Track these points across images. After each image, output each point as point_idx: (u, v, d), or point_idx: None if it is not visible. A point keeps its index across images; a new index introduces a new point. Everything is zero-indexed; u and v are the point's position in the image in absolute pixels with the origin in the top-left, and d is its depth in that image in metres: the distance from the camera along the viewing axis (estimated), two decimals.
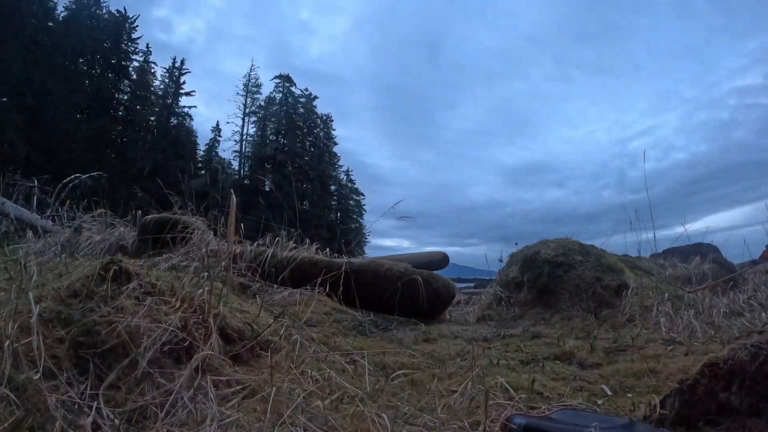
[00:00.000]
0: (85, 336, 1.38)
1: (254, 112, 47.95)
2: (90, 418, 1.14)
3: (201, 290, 1.79)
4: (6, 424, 1.02)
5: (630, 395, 1.72)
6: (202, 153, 44.93)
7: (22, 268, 1.77)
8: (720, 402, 1.14)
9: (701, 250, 5.44)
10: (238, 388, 1.49)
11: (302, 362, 1.74)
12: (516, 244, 4.77)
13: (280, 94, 49.32)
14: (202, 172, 39.77)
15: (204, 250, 3.34)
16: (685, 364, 1.99)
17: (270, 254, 3.67)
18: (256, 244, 4.02)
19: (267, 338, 1.84)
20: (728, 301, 3.47)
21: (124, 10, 39.11)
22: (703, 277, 4.44)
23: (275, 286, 3.42)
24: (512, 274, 4.23)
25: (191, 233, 3.78)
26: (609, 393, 1.76)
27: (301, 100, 50.27)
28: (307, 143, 50.36)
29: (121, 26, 39.03)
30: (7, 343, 1.17)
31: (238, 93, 47.41)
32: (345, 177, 53.41)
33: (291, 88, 49.61)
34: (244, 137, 47.24)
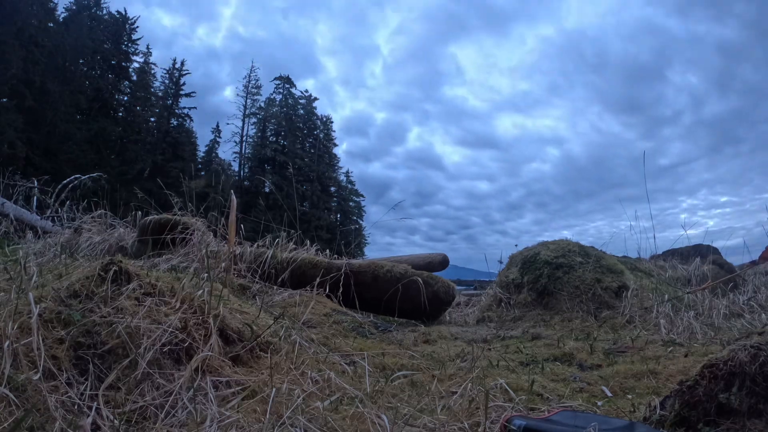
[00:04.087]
0: (85, 336, 1.38)
1: (254, 114, 48.02)
2: (90, 419, 1.14)
3: (201, 291, 1.79)
4: (6, 424, 1.02)
5: (630, 396, 1.72)
6: (202, 154, 45.02)
7: (22, 268, 1.77)
8: (720, 403, 1.14)
9: (701, 251, 5.45)
10: (237, 389, 1.49)
11: (302, 363, 1.73)
12: (516, 245, 4.79)
13: (280, 96, 49.41)
14: (202, 173, 39.80)
15: (204, 251, 3.34)
16: (685, 365, 1.99)
17: (270, 255, 3.68)
18: (256, 245, 4.02)
19: (267, 339, 1.84)
20: (728, 303, 3.47)
21: (125, 11, 39.24)
22: (703, 278, 4.44)
23: (275, 287, 3.42)
24: (512, 275, 4.23)
25: (191, 234, 3.78)
26: (609, 394, 1.76)
27: (301, 101, 50.34)
28: (307, 144, 50.37)
29: (122, 27, 39.10)
30: (7, 343, 1.17)
31: (238, 94, 47.55)
32: (345, 178, 53.47)
33: (291, 89, 49.71)
34: (244, 138, 47.32)
